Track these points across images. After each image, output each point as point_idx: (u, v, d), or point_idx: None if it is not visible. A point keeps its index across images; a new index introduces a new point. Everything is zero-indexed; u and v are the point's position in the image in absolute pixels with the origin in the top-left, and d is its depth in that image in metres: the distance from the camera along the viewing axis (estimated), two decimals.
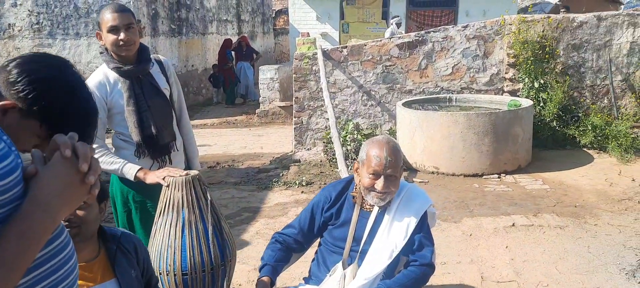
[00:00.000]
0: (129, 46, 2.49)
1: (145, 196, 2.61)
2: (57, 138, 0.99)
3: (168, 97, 2.71)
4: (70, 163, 0.96)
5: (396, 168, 2.08)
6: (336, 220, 2.24)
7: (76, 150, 0.97)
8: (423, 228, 2.18)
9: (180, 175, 2.23)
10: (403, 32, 11.39)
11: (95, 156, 2.48)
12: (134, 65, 2.55)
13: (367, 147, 2.14)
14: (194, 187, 2.23)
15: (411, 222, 2.14)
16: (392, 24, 11.31)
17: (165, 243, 2.17)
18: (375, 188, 2.08)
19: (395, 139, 6.84)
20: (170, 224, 2.19)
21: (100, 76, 2.56)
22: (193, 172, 2.30)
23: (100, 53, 2.60)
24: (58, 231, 1.03)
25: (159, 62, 2.75)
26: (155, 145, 2.61)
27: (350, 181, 2.30)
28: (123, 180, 2.61)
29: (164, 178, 2.23)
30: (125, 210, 2.67)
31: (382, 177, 2.06)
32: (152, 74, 2.64)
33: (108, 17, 2.46)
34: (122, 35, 2.46)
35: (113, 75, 2.55)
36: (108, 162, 2.50)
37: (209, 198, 2.25)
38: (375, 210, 2.18)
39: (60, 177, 0.95)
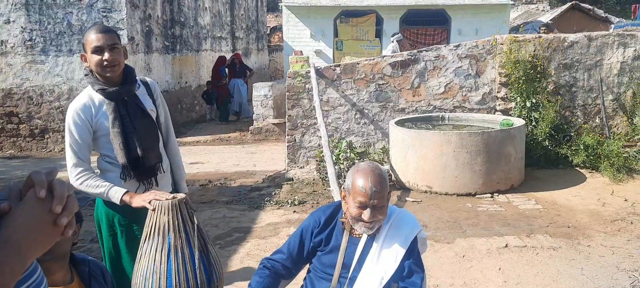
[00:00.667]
0: (113, 66, 2.46)
1: (131, 219, 2.56)
2: (33, 175, 0.95)
3: (154, 118, 2.67)
4: (44, 203, 0.92)
5: (382, 198, 2.04)
6: (326, 246, 2.19)
7: (52, 189, 0.93)
8: (413, 254, 2.14)
9: (167, 199, 2.19)
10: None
11: (80, 180, 2.45)
12: (119, 86, 2.52)
13: (352, 176, 2.10)
14: (181, 211, 2.19)
15: (400, 249, 2.10)
16: (393, 41, 11.36)
17: (151, 268, 2.12)
18: (363, 219, 2.04)
19: (389, 157, 6.82)
20: (156, 249, 2.14)
21: (85, 98, 2.53)
22: (180, 196, 2.26)
23: (85, 75, 2.56)
24: (31, 269, 1.00)
25: (146, 84, 2.72)
26: (141, 167, 2.57)
27: (340, 205, 2.26)
28: (108, 203, 2.57)
29: (149, 202, 2.19)
30: (111, 233, 2.62)
31: (368, 208, 2.03)
32: (138, 96, 2.61)
33: (92, 38, 2.44)
34: (106, 55, 2.43)
35: (98, 97, 2.52)
36: (93, 185, 2.46)
37: (196, 222, 2.21)
38: (364, 236, 2.14)
39: (33, 217, 0.91)
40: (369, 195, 2.01)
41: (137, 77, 2.66)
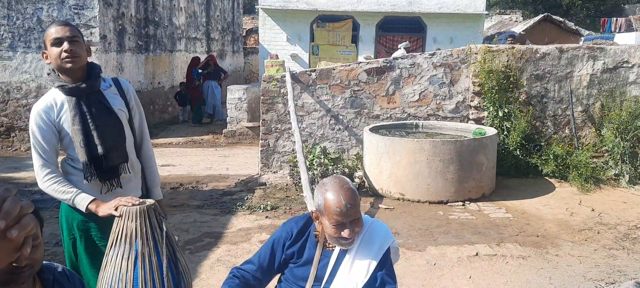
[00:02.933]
0: (73, 58, 2.38)
1: (90, 224, 2.48)
2: None
3: (125, 118, 2.59)
4: None
5: (357, 210, 2.02)
6: (298, 258, 2.15)
7: (1, 205, 0.86)
8: (386, 264, 2.12)
9: (134, 205, 2.12)
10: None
11: (48, 183, 2.35)
12: (81, 82, 2.45)
13: (322, 195, 2.04)
14: (149, 217, 2.12)
15: (373, 260, 2.08)
16: (400, 48, 11.39)
17: (116, 277, 2.05)
18: (343, 236, 2.01)
19: (362, 164, 6.83)
20: (122, 257, 2.07)
21: (48, 99, 2.45)
22: (148, 201, 2.19)
23: (48, 74, 2.50)
24: None
25: (118, 84, 2.64)
26: (103, 167, 2.49)
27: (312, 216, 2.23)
28: (70, 206, 2.48)
29: (116, 209, 2.12)
30: (70, 237, 2.54)
31: (346, 227, 2.00)
32: (103, 93, 2.52)
33: (51, 31, 2.38)
34: (65, 46, 2.35)
35: (61, 97, 2.44)
36: (60, 190, 2.38)
37: (165, 229, 2.15)
38: (337, 248, 2.11)
39: None
40: (345, 213, 1.97)
41: (108, 77, 2.60)
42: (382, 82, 7.42)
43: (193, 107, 12.86)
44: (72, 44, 2.37)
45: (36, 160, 2.42)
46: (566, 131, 7.40)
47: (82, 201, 2.35)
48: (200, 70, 13.22)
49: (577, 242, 4.85)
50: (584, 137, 7.40)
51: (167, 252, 2.14)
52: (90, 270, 2.49)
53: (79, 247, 2.52)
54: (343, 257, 2.10)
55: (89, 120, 2.43)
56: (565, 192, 6.48)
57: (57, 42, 2.37)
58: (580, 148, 7.19)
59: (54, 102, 2.44)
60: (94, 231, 2.48)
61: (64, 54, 2.37)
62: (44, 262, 1.87)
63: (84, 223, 2.49)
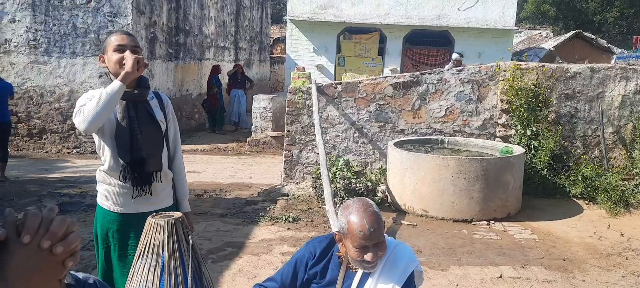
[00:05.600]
0: None
1: (126, 234, 2.54)
2: (28, 217, 0.93)
3: (163, 130, 2.67)
4: (32, 247, 0.90)
5: (381, 234, 2.02)
6: (321, 279, 2.16)
7: (48, 226, 0.92)
8: None
9: (162, 217, 2.17)
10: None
11: (81, 115, 2.36)
12: (133, 89, 2.55)
13: (346, 218, 2.04)
14: (176, 230, 2.16)
15: (396, 284, 2.07)
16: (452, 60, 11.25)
17: None
18: (366, 260, 2.01)
19: (386, 179, 6.80)
20: (149, 268, 2.11)
21: (96, 93, 2.48)
22: (176, 214, 2.23)
23: (100, 77, 2.59)
24: None
25: (159, 97, 2.75)
26: (141, 171, 2.55)
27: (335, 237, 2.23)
28: (106, 215, 2.55)
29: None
30: (104, 246, 2.59)
31: (370, 251, 2.00)
32: (149, 102, 2.63)
33: (116, 38, 2.51)
34: (127, 54, 2.47)
35: None
36: (93, 105, 2.37)
37: (191, 242, 2.18)
38: (360, 271, 2.11)
39: (23, 264, 0.90)
40: (369, 237, 1.97)
41: (152, 90, 2.69)
42: (408, 97, 7.40)
43: (211, 114, 13.04)
44: (134, 53, 2.49)
45: (78, 116, 2.42)
46: (596, 152, 7.25)
47: (113, 84, 2.38)
48: (227, 76, 13.41)
49: (604, 268, 4.73)
50: (614, 159, 7.24)
51: (193, 265, 2.17)
52: (123, 278, 2.53)
53: (112, 255, 2.58)
54: (366, 279, 2.10)
55: (135, 126, 2.53)
56: (594, 215, 6.34)
57: (120, 49, 2.49)
58: (610, 170, 7.04)
59: None
60: (130, 240, 2.54)
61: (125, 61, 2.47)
62: (76, 273, 1.91)
63: (118, 232, 2.55)
